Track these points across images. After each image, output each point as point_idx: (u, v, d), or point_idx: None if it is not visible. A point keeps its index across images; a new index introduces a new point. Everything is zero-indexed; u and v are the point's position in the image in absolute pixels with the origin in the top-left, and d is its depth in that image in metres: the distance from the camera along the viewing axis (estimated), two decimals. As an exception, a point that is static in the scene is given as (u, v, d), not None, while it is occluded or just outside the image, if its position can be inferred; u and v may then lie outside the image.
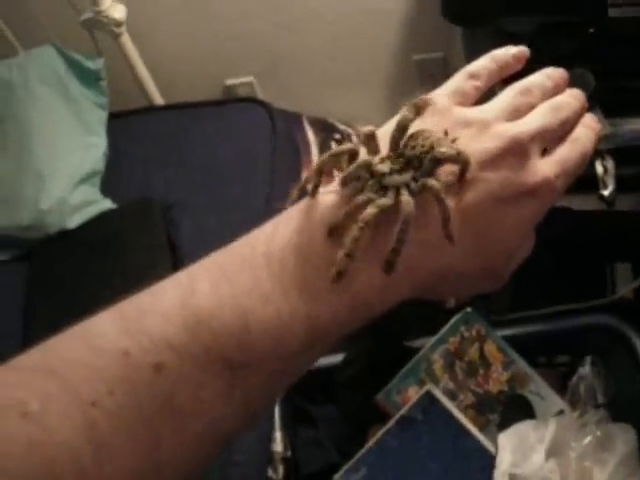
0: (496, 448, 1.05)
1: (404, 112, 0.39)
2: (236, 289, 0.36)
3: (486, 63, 0.46)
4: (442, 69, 1.74)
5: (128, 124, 1.56)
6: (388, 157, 0.39)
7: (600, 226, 1.26)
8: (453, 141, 0.39)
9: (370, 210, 0.36)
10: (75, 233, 1.42)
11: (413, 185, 0.38)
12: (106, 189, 1.48)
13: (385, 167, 0.38)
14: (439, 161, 0.38)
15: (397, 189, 0.38)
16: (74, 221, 1.42)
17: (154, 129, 1.53)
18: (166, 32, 1.73)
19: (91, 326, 0.36)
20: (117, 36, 1.51)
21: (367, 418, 1.18)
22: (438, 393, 1.11)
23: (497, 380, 1.17)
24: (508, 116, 0.42)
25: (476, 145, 0.40)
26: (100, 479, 0.32)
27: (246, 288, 0.36)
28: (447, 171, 0.38)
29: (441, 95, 0.43)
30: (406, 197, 0.37)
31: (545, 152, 0.42)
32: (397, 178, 0.38)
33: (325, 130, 1.61)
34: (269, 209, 1.34)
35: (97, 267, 1.36)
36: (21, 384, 0.34)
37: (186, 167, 1.44)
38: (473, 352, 1.18)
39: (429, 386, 1.11)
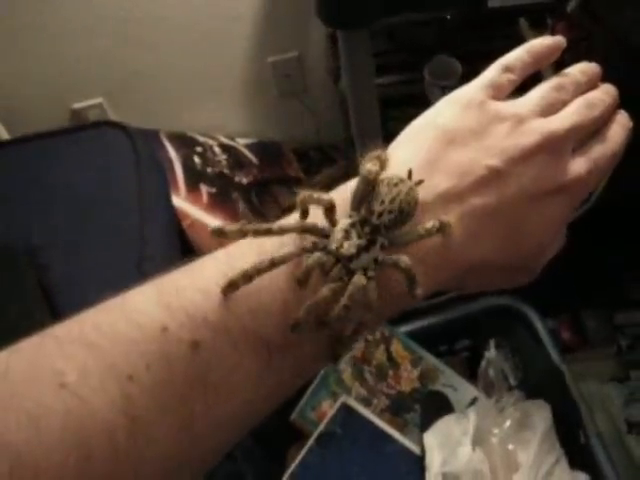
0: (422, 449, 1.03)
1: (368, 166, 0.37)
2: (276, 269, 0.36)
3: (521, 55, 0.46)
4: (298, 68, 1.72)
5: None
6: (352, 225, 0.36)
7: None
8: (418, 183, 0.37)
9: (345, 302, 0.35)
10: None
11: (381, 258, 0.36)
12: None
13: (352, 247, 0.35)
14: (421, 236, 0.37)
15: (364, 269, 0.36)
16: None
17: (3, 167, 1.39)
18: (1, 59, 1.59)
19: (130, 300, 0.36)
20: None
21: (285, 440, 1.13)
22: (354, 403, 1.08)
23: (408, 379, 1.15)
24: (542, 112, 0.43)
25: (510, 141, 0.40)
26: (134, 453, 0.32)
27: (286, 268, 0.36)
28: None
29: (476, 89, 0.43)
30: (373, 286, 0.35)
31: (576, 148, 0.43)
32: (365, 258, 0.36)
33: (186, 145, 1.54)
34: (142, 236, 1.27)
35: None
36: (60, 354, 0.33)
37: (47, 205, 1.33)
38: (380, 355, 1.16)
39: (343, 397, 1.08)
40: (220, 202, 1.46)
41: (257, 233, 0.36)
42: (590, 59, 0.49)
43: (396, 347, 1.16)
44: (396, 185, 0.36)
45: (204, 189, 1.47)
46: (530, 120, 0.42)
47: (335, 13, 0.97)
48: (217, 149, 1.61)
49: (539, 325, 1.18)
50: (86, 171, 1.35)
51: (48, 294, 1.21)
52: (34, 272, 1.23)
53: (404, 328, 1.21)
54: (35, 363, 0.33)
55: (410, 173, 0.37)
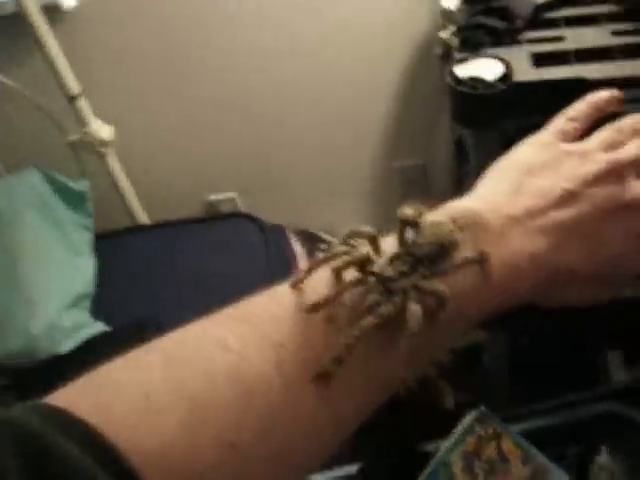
0: None
1: (404, 210, 0.43)
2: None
3: (582, 107, 0.55)
4: (422, 176, 1.79)
5: (115, 245, 1.55)
6: (398, 256, 0.42)
7: (595, 314, 1.30)
8: (461, 229, 0.43)
9: (370, 319, 0.39)
10: (67, 359, 1.37)
11: (422, 284, 0.40)
12: (97, 311, 1.45)
13: (391, 270, 0.41)
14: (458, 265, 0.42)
15: (404, 291, 0.40)
16: (65, 346, 1.38)
17: (142, 249, 1.52)
18: (150, 151, 1.74)
19: (271, 291, 0.44)
20: (103, 156, 1.51)
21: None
22: (465, 497, 1.09)
23: (518, 476, 1.16)
24: (605, 149, 0.51)
25: (582, 168, 0.49)
26: (287, 407, 0.38)
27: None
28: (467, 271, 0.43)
29: (547, 133, 0.53)
30: (414, 307, 0.39)
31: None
32: (404, 282, 0.40)
33: (310, 241, 1.62)
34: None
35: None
36: (220, 327, 0.41)
37: (178, 286, 1.43)
38: (491, 450, 1.17)
39: (455, 490, 1.10)
40: (340, 296, 1.53)
41: (313, 266, 0.43)
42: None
43: (507, 443, 1.18)
44: (438, 225, 0.42)
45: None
46: (595, 153, 0.50)
47: (468, 116, 1.06)
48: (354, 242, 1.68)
49: (650, 432, 1.17)
50: (219, 258, 1.46)
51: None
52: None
53: (516, 427, 1.22)
54: (202, 334, 0.41)
55: (454, 221, 0.43)
